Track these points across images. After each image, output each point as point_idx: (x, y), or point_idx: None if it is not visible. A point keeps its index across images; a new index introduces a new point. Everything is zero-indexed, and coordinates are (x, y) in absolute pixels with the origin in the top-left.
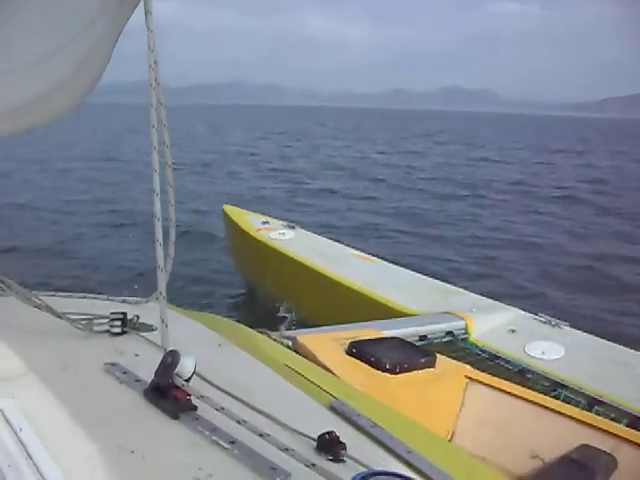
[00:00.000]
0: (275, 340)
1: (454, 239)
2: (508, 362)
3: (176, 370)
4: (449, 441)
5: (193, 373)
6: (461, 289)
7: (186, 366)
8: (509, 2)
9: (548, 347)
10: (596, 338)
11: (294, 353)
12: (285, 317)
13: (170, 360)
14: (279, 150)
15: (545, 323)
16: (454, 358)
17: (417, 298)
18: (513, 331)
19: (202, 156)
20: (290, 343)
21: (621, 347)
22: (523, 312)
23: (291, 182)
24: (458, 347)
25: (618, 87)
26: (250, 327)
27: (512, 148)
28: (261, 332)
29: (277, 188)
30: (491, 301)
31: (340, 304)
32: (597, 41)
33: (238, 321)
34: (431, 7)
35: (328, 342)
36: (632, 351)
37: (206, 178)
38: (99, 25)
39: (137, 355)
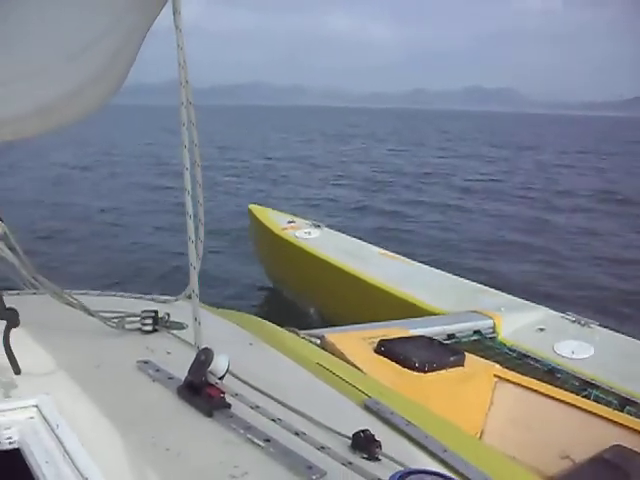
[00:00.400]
0: (303, 338)
1: (599, 262)
2: (537, 361)
3: (209, 368)
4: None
5: (226, 371)
6: (489, 287)
7: (220, 364)
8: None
9: (577, 346)
10: (626, 337)
11: (324, 351)
12: (311, 316)
13: (204, 358)
14: (330, 155)
15: (574, 322)
16: (482, 357)
17: (445, 297)
18: (542, 330)
19: (258, 161)
20: (318, 341)
21: None
22: (552, 311)
23: (369, 191)
24: (486, 346)
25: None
26: (278, 325)
27: (573, 152)
28: (289, 330)
29: (358, 199)
30: (519, 300)
31: (367, 303)
32: (621, 39)
33: (265, 319)
34: (451, 5)
35: (356, 340)
36: None
37: (277, 186)
38: (128, 20)
39: (169, 353)
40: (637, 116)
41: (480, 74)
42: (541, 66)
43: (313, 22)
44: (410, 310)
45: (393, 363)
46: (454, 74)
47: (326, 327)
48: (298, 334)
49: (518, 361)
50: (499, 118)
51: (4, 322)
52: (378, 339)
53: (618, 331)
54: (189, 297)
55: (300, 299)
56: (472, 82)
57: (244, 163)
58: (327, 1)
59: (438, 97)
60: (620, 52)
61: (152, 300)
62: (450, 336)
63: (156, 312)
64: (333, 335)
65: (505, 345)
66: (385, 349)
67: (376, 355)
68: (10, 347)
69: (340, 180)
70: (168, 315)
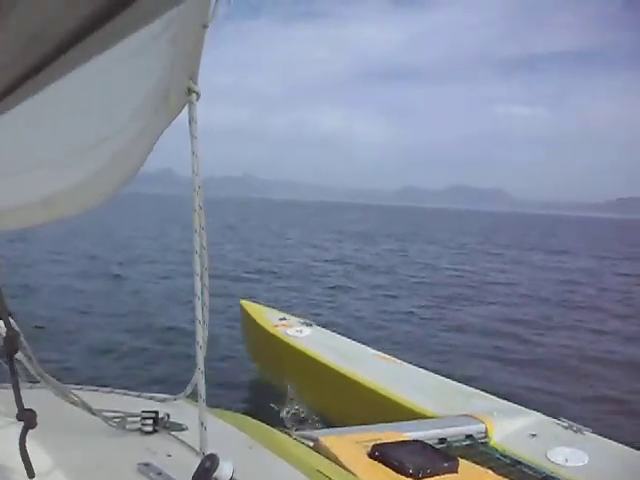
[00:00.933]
0: (296, 440)
1: None
2: (530, 468)
3: (214, 474)
4: None
5: (231, 478)
6: (481, 391)
7: (225, 471)
8: (517, 105)
9: (571, 453)
10: (620, 445)
11: (321, 457)
12: (304, 417)
13: (209, 464)
14: (372, 256)
15: (567, 428)
16: (475, 462)
17: (437, 400)
18: (534, 435)
19: (296, 260)
20: (311, 443)
21: None
22: (544, 416)
23: (446, 302)
24: (478, 451)
25: (630, 187)
26: (270, 425)
27: (608, 257)
28: (282, 431)
29: (445, 314)
30: (511, 404)
31: (359, 404)
32: (606, 142)
33: (258, 418)
34: (441, 108)
35: (350, 444)
36: None
37: (338, 296)
38: (140, 123)
39: (169, 455)
40: (627, 217)
41: (468, 174)
42: (530, 168)
43: (303, 119)
44: (402, 412)
45: (387, 469)
46: (444, 174)
47: (319, 427)
48: (291, 435)
49: (511, 468)
50: (497, 217)
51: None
52: (372, 443)
53: (612, 438)
54: (188, 397)
55: (290, 397)
56: (460, 181)
57: (285, 265)
58: (317, 100)
59: (429, 195)
60: (606, 156)
61: (150, 399)
62: (442, 440)
63: (157, 413)
64: (327, 438)
65: (497, 450)
66: (379, 454)
67: (370, 460)
68: (26, 450)
69: (403, 289)
70: (168, 416)
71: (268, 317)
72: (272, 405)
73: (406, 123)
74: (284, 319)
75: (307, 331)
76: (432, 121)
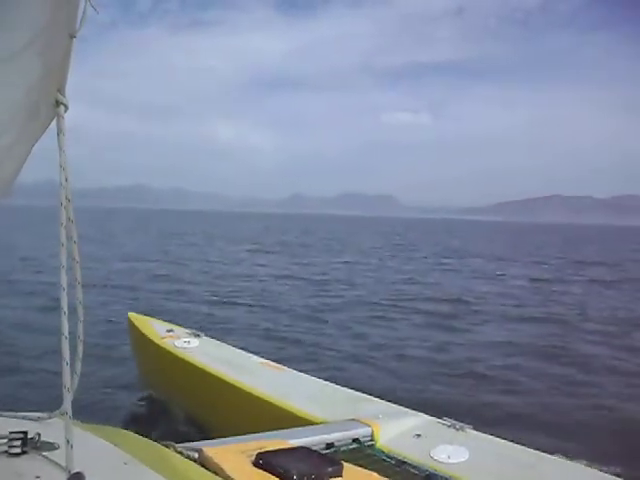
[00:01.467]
0: (181, 453)
1: None
2: (414, 467)
3: None
4: None
5: None
6: (367, 396)
7: None
8: (402, 113)
9: (453, 450)
10: (499, 440)
11: (202, 468)
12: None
13: None
14: (312, 270)
15: (449, 427)
16: (361, 465)
17: (324, 406)
18: (419, 436)
19: (233, 271)
20: (196, 455)
21: (523, 448)
22: (428, 417)
23: (447, 320)
24: (365, 454)
25: (510, 192)
26: (154, 440)
27: (536, 262)
28: (166, 445)
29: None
30: (397, 407)
31: (246, 413)
32: (486, 149)
33: (142, 433)
34: (330, 116)
35: (234, 454)
36: (535, 451)
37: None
38: (9, 136)
39: (38, 477)
40: (509, 220)
41: (357, 181)
42: (417, 174)
43: (195, 128)
44: (290, 420)
45: (272, 476)
46: (331, 181)
47: (205, 439)
48: (175, 448)
49: (397, 468)
50: (397, 223)
51: None
52: (256, 452)
53: (493, 434)
54: (63, 414)
55: (179, 410)
56: (349, 188)
57: (237, 283)
58: (207, 108)
59: (319, 202)
60: (488, 161)
61: (23, 418)
62: (329, 445)
63: (25, 433)
64: (211, 449)
65: (383, 452)
66: (263, 462)
67: (255, 469)
68: None
69: (383, 306)
70: (39, 435)
71: (155, 329)
72: (159, 418)
73: (295, 132)
74: (171, 330)
75: (195, 342)
76: (321, 130)
